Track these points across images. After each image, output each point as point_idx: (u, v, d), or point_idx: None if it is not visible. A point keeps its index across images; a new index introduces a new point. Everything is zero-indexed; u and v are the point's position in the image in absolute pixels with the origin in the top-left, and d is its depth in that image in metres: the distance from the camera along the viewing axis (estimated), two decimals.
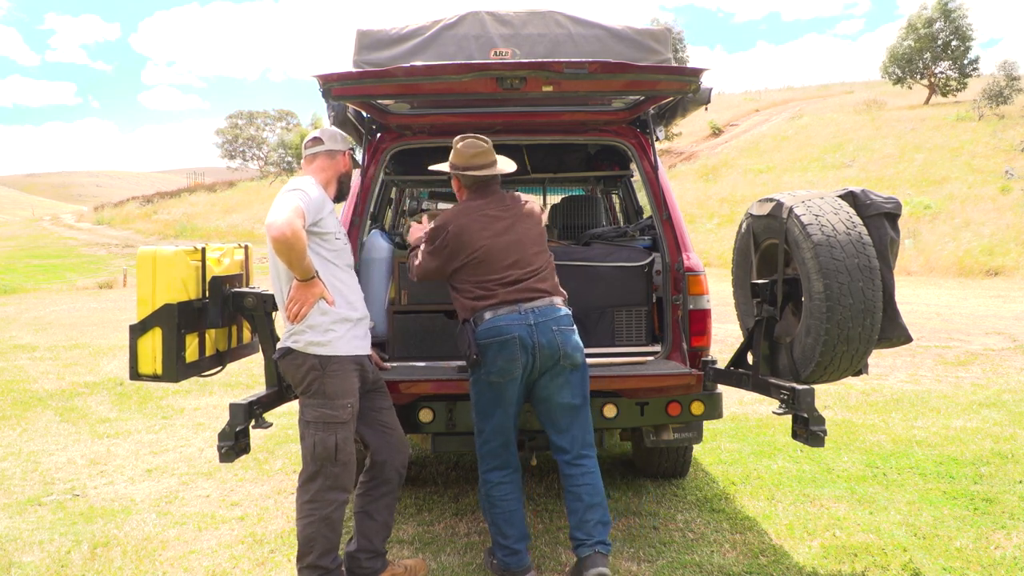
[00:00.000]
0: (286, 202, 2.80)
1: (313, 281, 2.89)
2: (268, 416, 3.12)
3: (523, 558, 3.17)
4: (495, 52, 3.67)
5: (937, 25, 38.42)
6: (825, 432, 2.94)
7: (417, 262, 3.34)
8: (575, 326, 3.20)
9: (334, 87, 3.26)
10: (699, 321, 3.68)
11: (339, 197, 3.25)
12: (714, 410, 3.59)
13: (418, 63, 3.42)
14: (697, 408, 3.54)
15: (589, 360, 3.38)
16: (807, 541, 3.60)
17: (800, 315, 3.21)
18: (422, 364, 3.80)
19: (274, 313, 3.24)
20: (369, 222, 4.11)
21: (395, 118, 4.05)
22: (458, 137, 3.28)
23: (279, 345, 3.05)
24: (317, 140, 3.17)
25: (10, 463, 5.13)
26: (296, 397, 3.34)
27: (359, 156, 4.18)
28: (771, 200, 3.27)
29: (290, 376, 3.02)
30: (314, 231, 2.93)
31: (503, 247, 3.18)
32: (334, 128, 3.30)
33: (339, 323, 2.98)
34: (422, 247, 3.32)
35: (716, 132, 42.76)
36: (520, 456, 3.54)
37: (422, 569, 3.27)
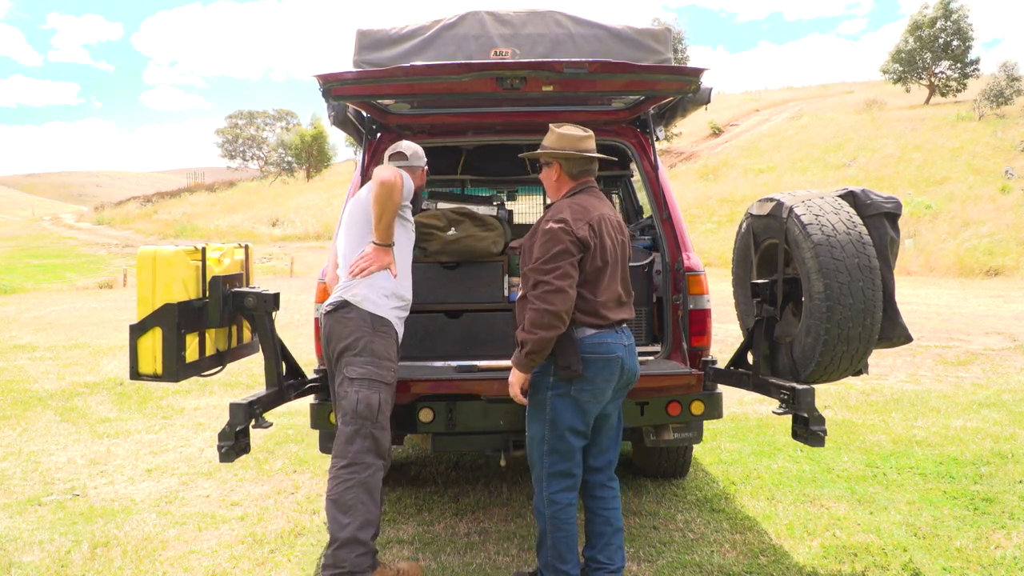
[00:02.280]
0: (393, 169, 3.05)
1: (388, 249, 3.07)
2: (268, 416, 3.12)
3: None
4: (495, 52, 3.67)
5: (939, 25, 38.44)
6: (825, 432, 2.94)
7: (559, 284, 2.76)
8: None
9: (334, 87, 3.27)
10: (699, 321, 3.68)
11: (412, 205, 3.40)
12: (714, 410, 3.59)
13: (418, 63, 3.43)
14: (697, 408, 3.54)
15: None
16: (807, 541, 3.59)
17: (800, 315, 3.21)
18: (422, 364, 3.80)
19: (274, 313, 3.24)
20: None
21: (395, 118, 4.05)
22: (552, 125, 3.07)
23: (332, 299, 3.11)
24: (401, 155, 3.34)
25: (10, 463, 5.13)
26: (296, 396, 3.35)
27: (359, 156, 4.18)
28: (771, 200, 3.27)
29: (338, 330, 3.02)
30: (402, 214, 3.16)
31: (619, 264, 2.98)
32: (416, 145, 3.42)
33: (394, 297, 3.12)
34: (559, 267, 2.79)
35: (716, 132, 42.77)
36: (519, 456, 3.54)
37: (416, 574, 3.25)
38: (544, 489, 2.96)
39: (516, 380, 2.91)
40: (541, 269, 2.81)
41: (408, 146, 3.39)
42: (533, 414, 2.98)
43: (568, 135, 2.99)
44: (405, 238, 3.23)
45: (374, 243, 3.06)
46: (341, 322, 3.01)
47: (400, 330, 3.19)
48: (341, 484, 2.84)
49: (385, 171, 3.01)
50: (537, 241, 2.88)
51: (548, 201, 3.14)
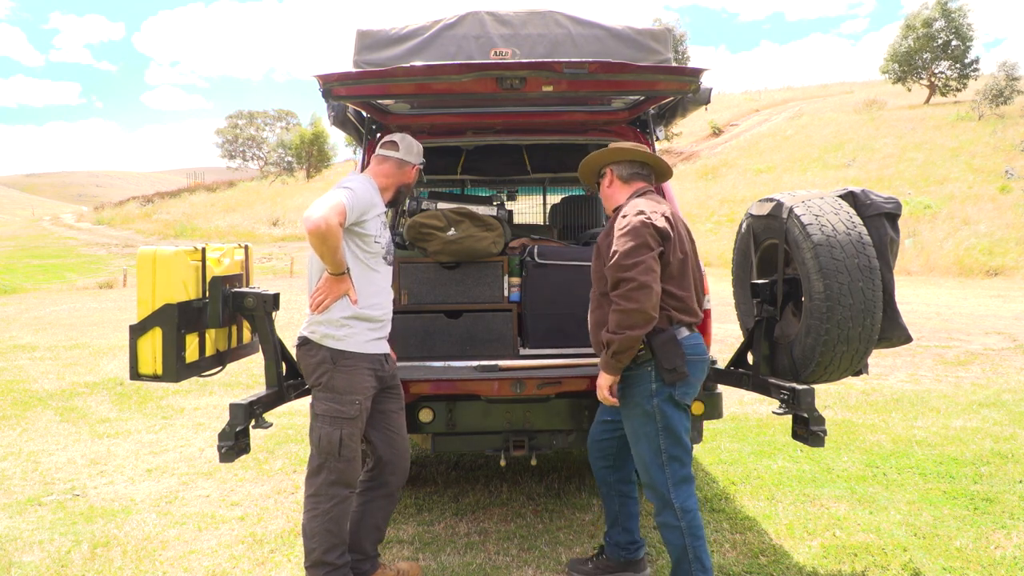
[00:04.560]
0: (330, 198, 2.84)
1: (343, 277, 2.93)
2: (268, 416, 3.12)
3: None
4: (495, 52, 3.67)
5: (937, 25, 38.43)
6: (825, 432, 2.94)
7: (643, 279, 2.66)
8: None
9: (334, 87, 3.26)
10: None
11: (391, 204, 3.25)
12: (714, 410, 3.58)
13: (418, 63, 3.42)
14: (697, 408, 3.54)
15: (589, 360, 3.37)
16: (807, 541, 3.60)
17: (800, 315, 3.21)
18: (422, 364, 3.80)
19: (274, 313, 3.24)
20: None
21: (395, 118, 4.05)
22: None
23: (298, 333, 3.08)
24: (393, 145, 3.18)
25: (10, 463, 5.13)
26: (296, 397, 3.35)
27: (359, 156, 4.18)
28: (771, 200, 3.27)
29: (303, 366, 3.05)
30: (355, 230, 2.96)
31: (693, 263, 2.95)
32: (412, 139, 3.25)
33: (357, 320, 3.00)
34: (642, 261, 2.68)
35: (716, 132, 42.78)
36: (519, 456, 3.55)
37: (417, 574, 3.26)
38: (674, 500, 2.81)
39: (604, 383, 2.82)
40: (622, 265, 2.68)
41: (404, 139, 3.21)
42: (639, 429, 2.84)
43: (614, 145, 3.09)
44: (364, 254, 3.03)
45: (327, 272, 2.93)
46: (305, 359, 3.03)
47: (375, 348, 3.07)
48: (308, 512, 2.97)
49: (311, 215, 2.75)
50: (614, 236, 2.77)
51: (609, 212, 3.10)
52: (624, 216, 2.81)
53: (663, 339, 2.76)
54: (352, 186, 2.96)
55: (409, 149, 3.20)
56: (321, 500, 2.94)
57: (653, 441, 2.82)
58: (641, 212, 2.78)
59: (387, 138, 3.22)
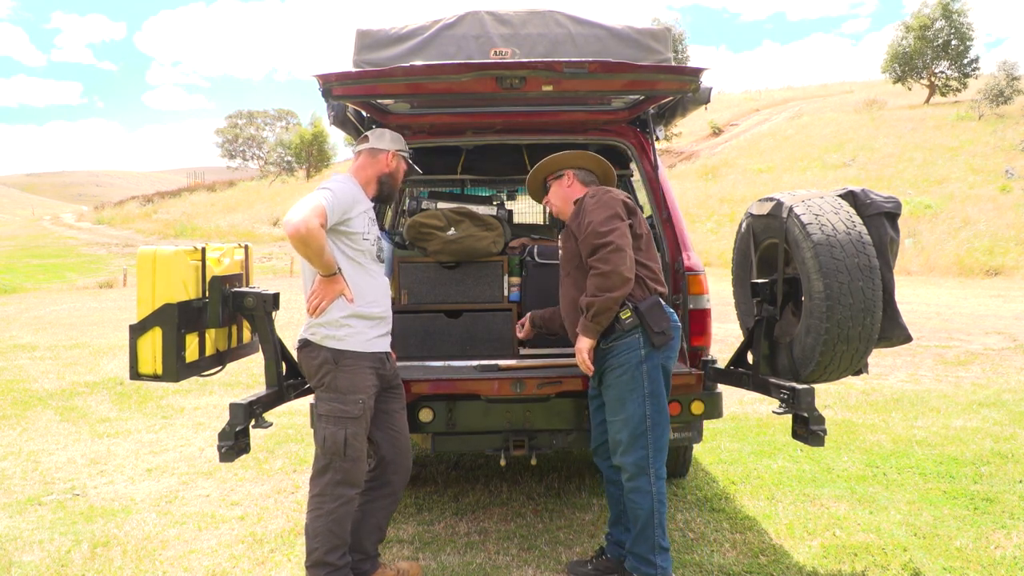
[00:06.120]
0: (308, 200, 2.83)
1: (335, 277, 2.92)
2: (268, 416, 3.12)
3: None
4: (495, 52, 3.67)
5: (937, 24, 38.43)
6: (825, 431, 2.94)
7: (620, 243, 2.86)
8: None
9: (334, 87, 3.26)
10: (699, 321, 3.68)
11: (381, 198, 3.22)
12: (714, 410, 3.58)
13: (418, 63, 3.42)
14: (697, 408, 3.54)
15: None
16: (807, 541, 3.60)
17: (800, 315, 3.20)
18: (422, 364, 3.80)
19: (274, 313, 3.24)
20: None
21: (395, 118, 4.05)
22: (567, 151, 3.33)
23: (298, 336, 3.08)
24: (364, 139, 3.19)
25: (10, 463, 5.13)
26: (296, 396, 3.35)
27: None
28: (771, 200, 3.27)
29: (305, 368, 3.05)
30: (341, 229, 2.95)
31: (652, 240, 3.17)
32: (385, 130, 3.23)
33: (356, 319, 2.99)
34: (617, 228, 2.88)
35: (716, 132, 42.78)
36: (519, 456, 3.55)
37: (417, 574, 3.26)
38: (651, 466, 2.92)
39: (584, 346, 2.94)
40: (599, 232, 2.87)
41: (374, 131, 3.20)
42: (625, 396, 2.93)
43: (574, 150, 3.28)
44: (353, 251, 3.01)
45: (319, 275, 2.92)
46: (306, 361, 3.03)
47: (377, 347, 3.07)
48: (312, 512, 2.97)
49: (290, 219, 2.72)
50: (587, 211, 2.96)
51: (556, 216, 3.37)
52: (593, 196, 3.03)
53: (648, 304, 2.94)
54: (331, 186, 2.94)
55: (380, 137, 3.18)
56: (326, 500, 2.94)
57: (639, 407, 2.93)
58: (609, 191, 3.04)
59: (361, 136, 3.24)
